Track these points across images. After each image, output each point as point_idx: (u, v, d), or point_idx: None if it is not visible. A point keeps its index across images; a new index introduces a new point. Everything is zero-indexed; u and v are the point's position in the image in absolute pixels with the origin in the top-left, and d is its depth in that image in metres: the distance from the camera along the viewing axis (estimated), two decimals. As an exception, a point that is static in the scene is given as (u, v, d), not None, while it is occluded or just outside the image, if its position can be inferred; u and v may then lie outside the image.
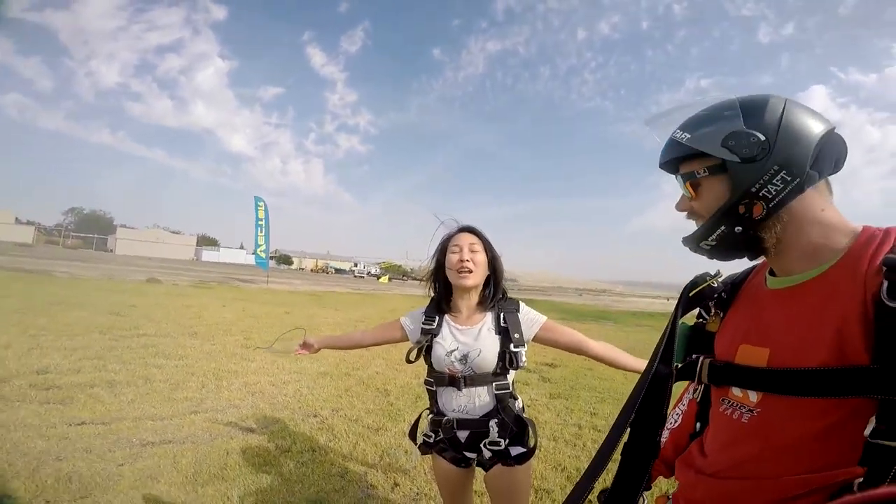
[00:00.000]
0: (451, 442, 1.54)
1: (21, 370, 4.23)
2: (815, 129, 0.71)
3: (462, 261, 1.55)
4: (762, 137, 0.71)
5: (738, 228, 0.75)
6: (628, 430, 0.83)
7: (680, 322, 0.91)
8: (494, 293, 1.62)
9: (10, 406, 3.37)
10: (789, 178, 0.70)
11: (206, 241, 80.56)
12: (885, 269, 0.62)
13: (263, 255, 22.22)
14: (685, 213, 0.85)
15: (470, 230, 1.64)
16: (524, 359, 1.51)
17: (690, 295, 0.92)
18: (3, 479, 2.40)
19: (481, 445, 1.50)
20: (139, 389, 4.07)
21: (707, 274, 0.93)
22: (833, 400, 0.65)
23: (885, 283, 0.61)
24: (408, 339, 1.65)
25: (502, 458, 1.49)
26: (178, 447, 2.98)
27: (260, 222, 21.64)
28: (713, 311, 0.92)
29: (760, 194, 0.72)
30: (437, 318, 1.60)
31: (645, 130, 0.85)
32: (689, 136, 0.76)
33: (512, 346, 1.49)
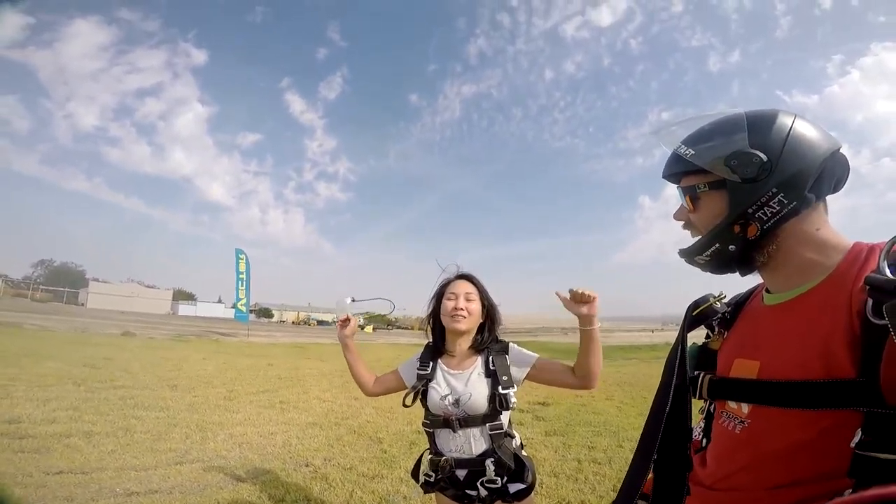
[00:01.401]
0: (450, 481, 1.55)
1: (-9, 420, 3.98)
2: (818, 151, 0.72)
3: (457, 308, 1.60)
4: (764, 158, 0.71)
5: (732, 247, 0.77)
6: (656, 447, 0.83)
7: (689, 343, 0.94)
8: (486, 338, 1.65)
9: (-18, 456, 3.16)
10: (786, 202, 0.71)
11: (182, 296, 78.36)
12: (868, 287, 0.63)
13: (244, 308, 21.75)
14: (682, 224, 0.86)
15: (467, 278, 1.70)
16: (514, 400, 1.54)
17: (693, 314, 0.94)
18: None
19: (478, 484, 1.51)
20: (119, 440, 3.86)
21: (711, 295, 0.96)
22: (819, 412, 0.65)
23: (870, 301, 0.62)
24: (406, 387, 1.67)
25: (501, 495, 1.50)
26: (166, 497, 2.82)
27: (241, 275, 21.33)
28: (717, 329, 0.93)
29: (756, 216, 0.73)
30: (431, 363, 1.64)
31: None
32: (692, 151, 0.77)
33: (500, 388, 1.52)
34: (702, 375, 0.88)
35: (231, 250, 21.74)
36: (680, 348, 0.90)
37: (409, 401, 1.62)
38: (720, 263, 0.81)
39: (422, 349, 1.71)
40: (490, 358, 1.58)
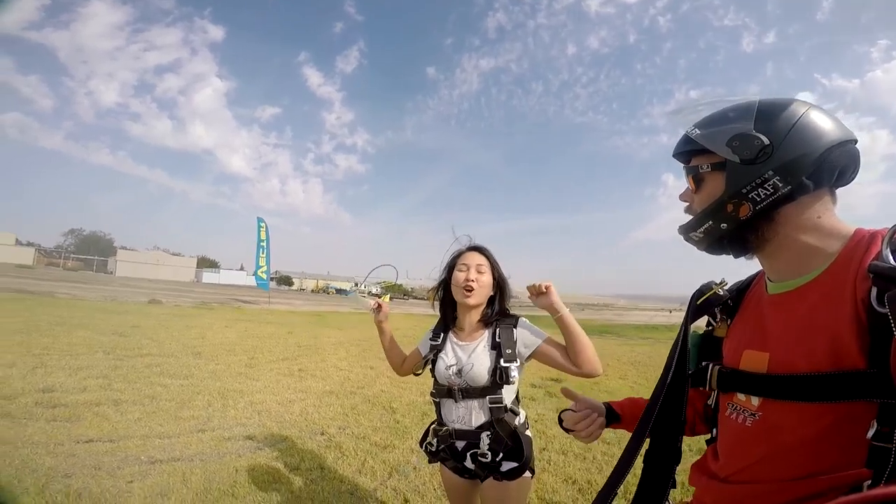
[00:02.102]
0: (450, 451, 1.57)
1: (26, 388, 4.22)
2: (823, 139, 0.71)
3: (468, 279, 1.60)
4: (766, 141, 0.72)
5: (724, 225, 0.78)
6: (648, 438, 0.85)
7: (692, 331, 0.93)
8: (496, 311, 1.65)
9: (17, 423, 3.36)
10: (780, 185, 0.72)
11: (206, 263, 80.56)
12: (871, 275, 0.63)
13: (265, 276, 22.21)
14: (685, 206, 0.87)
15: (479, 250, 1.69)
16: (515, 374, 1.49)
17: (698, 303, 0.94)
18: (13, 496, 2.37)
19: (468, 455, 1.53)
20: (145, 408, 4.05)
21: (713, 282, 0.96)
22: (829, 404, 0.65)
23: (874, 289, 0.62)
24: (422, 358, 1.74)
25: (492, 471, 1.50)
26: (187, 465, 2.96)
27: (262, 243, 21.71)
28: (719, 317, 0.93)
29: (750, 196, 0.74)
30: (443, 334, 1.68)
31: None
32: (699, 132, 0.79)
33: (502, 361, 1.50)
34: (711, 366, 0.87)
35: (252, 220, 22.16)
36: (682, 340, 0.89)
37: (418, 369, 1.73)
38: (712, 241, 0.82)
39: (436, 322, 1.74)
40: (497, 331, 1.57)
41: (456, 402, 1.55)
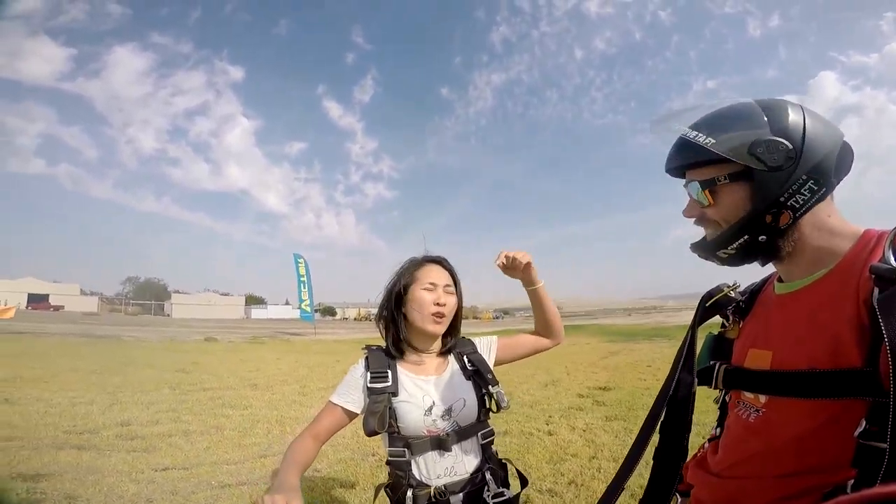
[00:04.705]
0: None
1: (106, 423, 4.59)
2: (836, 137, 0.72)
3: (439, 304, 1.31)
4: (790, 146, 0.70)
5: (763, 237, 0.74)
6: (658, 435, 0.89)
7: (707, 331, 0.96)
8: (454, 335, 1.42)
9: (102, 454, 3.67)
10: (816, 188, 0.70)
11: (253, 300, 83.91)
12: (873, 276, 0.63)
13: (308, 308, 22.95)
14: (693, 220, 0.83)
15: (443, 265, 1.40)
16: (506, 398, 1.30)
17: (707, 305, 0.95)
18: (8, 497, 2.61)
19: (489, 501, 1.25)
20: (212, 437, 4.31)
21: (725, 284, 0.96)
22: (826, 401, 0.66)
23: (876, 290, 0.62)
24: (356, 416, 1.26)
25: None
26: (252, 488, 3.14)
27: (302, 278, 22.52)
28: (731, 318, 0.93)
29: (789, 203, 0.71)
30: (389, 372, 1.28)
31: (665, 138, 0.84)
32: (713, 140, 0.72)
33: (490, 387, 1.30)
34: (718, 365, 0.89)
35: (291, 255, 23.01)
36: (689, 341, 0.91)
37: (377, 425, 1.17)
38: (745, 255, 0.78)
39: (360, 362, 1.32)
40: (464, 357, 1.36)
41: (447, 451, 1.24)
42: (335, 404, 1.25)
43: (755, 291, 0.93)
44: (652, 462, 0.91)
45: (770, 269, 0.85)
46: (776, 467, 0.72)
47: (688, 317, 1.03)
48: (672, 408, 0.88)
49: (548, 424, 4.79)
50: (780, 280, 0.84)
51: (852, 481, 0.60)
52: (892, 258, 0.63)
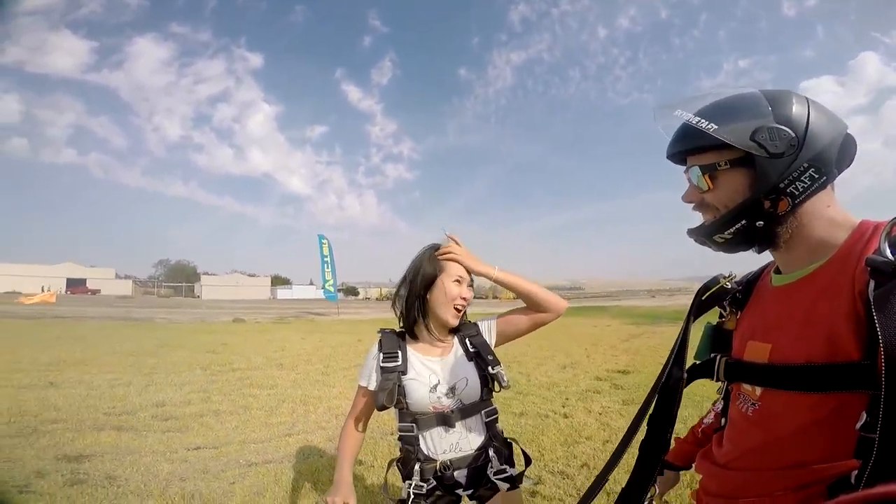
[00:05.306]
0: (447, 487, 1.37)
1: (143, 404, 4.86)
2: (839, 128, 0.73)
3: (464, 298, 1.41)
4: (792, 134, 0.70)
5: (760, 223, 0.75)
6: (645, 428, 0.91)
7: (705, 323, 0.96)
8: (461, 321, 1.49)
9: (140, 435, 3.91)
10: (817, 176, 0.71)
11: (279, 281, 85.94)
12: (869, 269, 0.63)
13: (332, 289, 23.40)
14: (692, 206, 0.84)
15: None
16: (506, 378, 1.37)
17: (703, 298, 0.95)
18: (140, 498, 2.80)
19: (491, 477, 1.36)
20: (240, 417, 4.52)
21: (721, 275, 0.96)
22: (824, 395, 0.66)
23: (872, 283, 0.62)
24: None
25: (513, 482, 1.38)
26: (277, 466, 3.30)
27: (325, 259, 22.87)
28: (729, 309, 0.94)
29: (788, 190, 0.72)
30: (399, 352, 1.38)
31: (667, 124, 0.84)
32: (716, 126, 0.73)
33: (490, 368, 1.37)
34: (718, 358, 0.90)
35: (315, 236, 23.38)
36: (682, 336, 0.92)
37: (388, 400, 1.29)
38: (742, 241, 0.79)
39: (375, 345, 1.43)
40: (466, 340, 1.43)
41: (451, 427, 1.35)
42: (361, 386, 1.43)
43: (751, 281, 0.93)
44: (638, 452, 0.93)
45: (766, 258, 0.85)
46: (775, 460, 0.73)
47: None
48: (660, 401, 0.90)
49: (564, 407, 4.85)
50: (777, 272, 0.84)
51: (856, 472, 0.61)
52: (888, 250, 0.63)
